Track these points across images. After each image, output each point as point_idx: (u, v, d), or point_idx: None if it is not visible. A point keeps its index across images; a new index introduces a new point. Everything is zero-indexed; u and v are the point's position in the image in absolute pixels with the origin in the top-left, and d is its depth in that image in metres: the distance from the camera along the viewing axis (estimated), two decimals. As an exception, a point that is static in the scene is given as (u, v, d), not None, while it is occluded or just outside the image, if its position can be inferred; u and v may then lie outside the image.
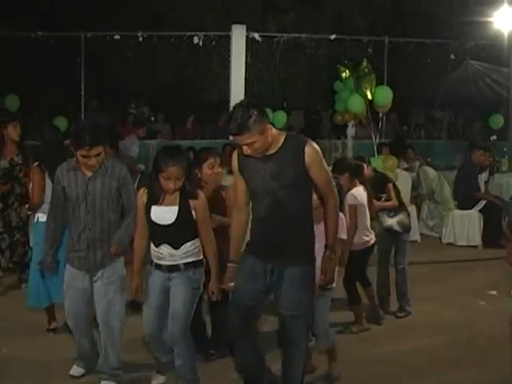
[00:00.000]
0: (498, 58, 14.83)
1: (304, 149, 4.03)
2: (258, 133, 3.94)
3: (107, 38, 12.58)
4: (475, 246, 10.21)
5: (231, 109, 4.04)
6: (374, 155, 10.01)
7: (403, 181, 10.34)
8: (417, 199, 11.30)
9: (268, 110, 12.27)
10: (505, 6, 13.46)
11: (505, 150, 12.57)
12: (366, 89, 10.05)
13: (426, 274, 8.62)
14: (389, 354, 5.77)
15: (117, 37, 12.57)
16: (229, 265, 4.43)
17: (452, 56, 14.87)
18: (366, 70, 10.27)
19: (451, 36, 14.40)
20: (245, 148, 3.98)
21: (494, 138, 12.91)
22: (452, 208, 10.47)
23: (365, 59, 10.52)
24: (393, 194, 6.96)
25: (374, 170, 7.38)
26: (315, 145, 4.10)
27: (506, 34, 13.65)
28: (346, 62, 11.79)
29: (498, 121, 13.03)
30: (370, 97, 10.00)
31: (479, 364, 5.57)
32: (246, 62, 12.45)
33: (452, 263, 9.27)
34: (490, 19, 13.62)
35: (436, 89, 16.05)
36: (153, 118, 15.41)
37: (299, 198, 4.15)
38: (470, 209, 10.30)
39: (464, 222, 10.30)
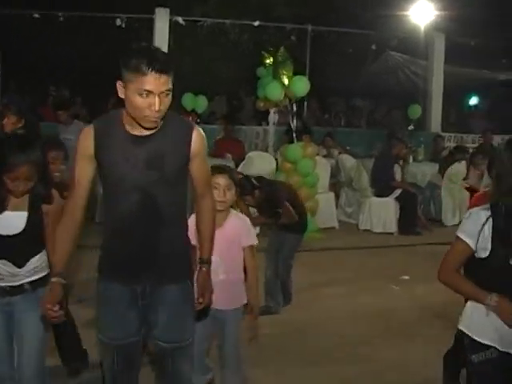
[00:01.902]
0: (416, 50, 15.24)
1: (192, 134, 3.10)
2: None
3: (27, 17, 12.28)
4: (391, 233, 10.50)
5: (140, 46, 3.08)
6: (293, 142, 10.10)
7: (322, 168, 10.54)
8: (335, 186, 11.52)
9: (190, 95, 12.26)
10: (420, 1, 13.88)
11: (421, 139, 12.93)
12: (283, 76, 10.13)
13: (343, 259, 8.84)
14: (305, 337, 5.90)
15: (36, 15, 12.28)
16: (54, 280, 3.11)
17: (373, 47, 15.17)
18: (283, 58, 10.35)
19: (372, 27, 14.66)
20: (157, 103, 2.85)
21: (411, 127, 13.24)
22: (369, 195, 10.73)
23: (282, 47, 10.58)
24: (292, 213, 6.36)
25: (269, 183, 6.60)
26: (202, 131, 3.19)
27: (422, 27, 14.06)
28: (270, 48, 11.83)
29: (416, 111, 13.37)
30: (286, 84, 10.08)
31: (392, 346, 5.74)
32: (169, 46, 12.37)
33: (368, 249, 9.50)
34: (407, 13, 14.01)
35: (357, 78, 16.37)
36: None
37: (178, 195, 3.17)
38: (387, 196, 10.58)
39: (380, 209, 10.56)
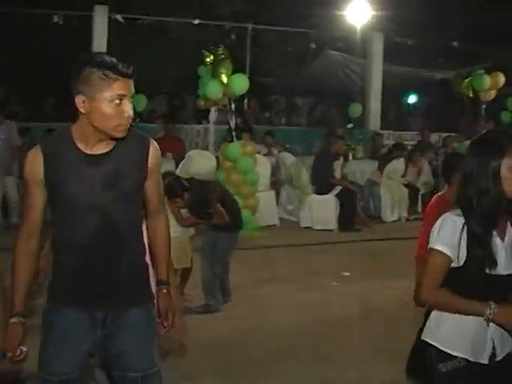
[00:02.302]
0: (355, 49, 15.40)
1: (148, 148, 2.93)
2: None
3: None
4: (331, 230, 10.56)
5: (93, 54, 2.92)
6: (233, 140, 10.10)
7: (262, 166, 10.56)
8: (276, 184, 11.54)
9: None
10: (357, 0, 14.04)
11: (360, 137, 13.08)
12: (222, 74, 10.12)
13: (284, 256, 8.86)
14: (246, 335, 5.88)
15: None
16: (13, 320, 2.89)
17: (312, 45, 15.28)
18: (223, 56, 10.34)
19: (311, 26, 14.75)
20: (127, 107, 2.73)
21: (350, 125, 13.39)
22: (309, 193, 10.80)
23: (221, 45, 10.57)
24: (223, 214, 6.30)
25: (199, 184, 6.50)
26: (156, 144, 3.01)
27: (359, 27, 14.23)
28: (210, 47, 11.79)
29: (356, 110, 13.51)
30: (225, 83, 10.07)
31: (331, 341, 5.76)
32: (108, 44, 12.21)
33: (309, 246, 9.53)
34: (345, 13, 14.16)
35: (297, 76, 16.47)
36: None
37: (136, 213, 3.01)
38: (327, 194, 10.65)
39: (321, 206, 10.63)
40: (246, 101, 13.92)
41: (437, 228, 2.83)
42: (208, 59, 11.12)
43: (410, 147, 13.34)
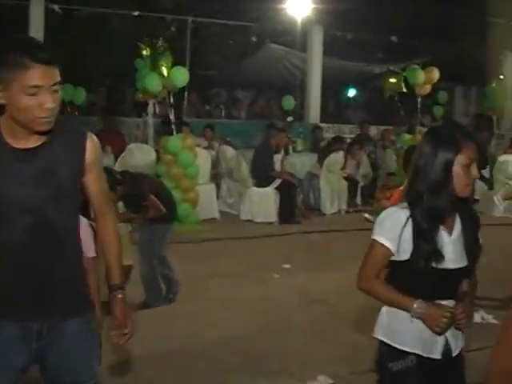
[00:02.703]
0: (295, 42, 15.47)
1: (85, 142, 2.68)
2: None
3: None
4: (272, 223, 10.58)
5: (14, 37, 2.59)
6: (172, 134, 10.04)
7: (203, 159, 10.52)
8: (216, 177, 11.51)
9: (69, 86, 11.91)
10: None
11: (300, 130, 13.15)
12: (162, 67, 10.04)
13: (225, 250, 8.83)
14: (188, 333, 5.85)
15: None
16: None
17: (253, 38, 15.28)
18: (162, 49, 10.26)
19: (252, 19, 14.76)
20: (49, 99, 2.44)
21: (290, 118, 13.44)
22: (249, 186, 10.79)
23: (161, 38, 10.48)
24: (158, 206, 6.17)
25: (133, 178, 6.32)
26: (96, 138, 2.75)
27: (299, 20, 14.28)
28: (146, 39, 11.67)
29: (289, 102, 13.55)
30: (166, 75, 9.99)
31: (273, 334, 5.77)
32: (45, 35, 11.97)
33: (249, 239, 9.54)
34: (284, 6, 14.20)
35: (238, 70, 16.45)
36: None
37: (71, 216, 2.73)
38: (267, 186, 10.67)
39: (261, 199, 10.64)
40: (185, 94, 13.83)
41: (380, 220, 2.83)
42: (144, 52, 11.02)
43: (349, 140, 13.50)
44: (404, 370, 2.82)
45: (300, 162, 11.99)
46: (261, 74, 16.24)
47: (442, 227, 2.77)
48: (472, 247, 2.85)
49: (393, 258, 2.81)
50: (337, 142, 12.03)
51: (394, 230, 2.75)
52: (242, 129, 13.91)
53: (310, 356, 5.26)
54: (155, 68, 10.20)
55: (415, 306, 2.72)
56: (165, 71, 10.02)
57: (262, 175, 10.69)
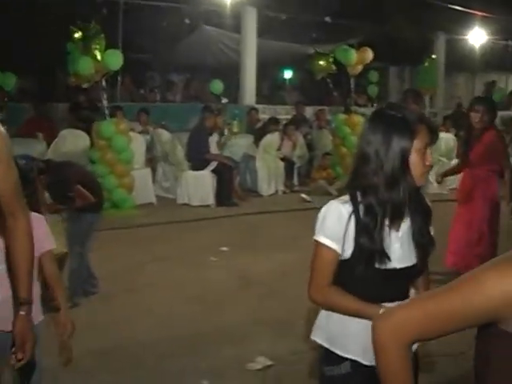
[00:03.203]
0: (229, 24, 15.37)
1: None
2: None
3: None
4: (208, 206, 10.51)
5: None
6: (105, 118, 9.86)
7: (137, 143, 10.38)
8: (152, 161, 11.37)
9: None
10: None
11: (236, 112, 13.08)
12: (95, 51, 9.83)
13: (162, 234, 8.75)
14: (123, 317, 5.77)
15: None
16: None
17: (186, 20, 15.11)
18: (95, 31, 10.04)
19: (185, 1, 14.57)
20: None
21: (225, 100, 13.35)
22: (185, 169, 10.69)
23: (93, 20, 10.25)
24: (85, 195, 5.92)
25: (56, 166, 5.98)
26: (2, 128, 2.42)
27: (230, 2, 14.15)
28: (78, 22, 11.41)
29: (217, 86, 13.44)
30: (99, 59, 9.78)
31: (211, 317, 5.73)
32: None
33: (187, 223, 9.46)
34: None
35: (172, 52, 16.27)
36: None
37: None
38: (203, 169, 10.59)
39: (197, 182, 10.56)
40: (119, 78, 13.60)
41: (321, 218, 2.48)
42: (77, 35, 10.77)
43: (284, 121, 13.51)
44: (338, 377, 2.59)
45: (236, 144, 11.92)
46: (195, 56, 16.13)
47: (387, 223, 2.47)
48: (423, 243, 2.56)
49: None
50: (272, 123, 12.02)
51: (337, 228, 2.43)
52: (177, 112, 13.75)
53: (249, 338, 5.25)
54: (88, 51, 9.97)
55: (381, 311, 2.34)
56: (98, 54, 9.81)
57: (198, 158, 10.60)
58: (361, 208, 2.44)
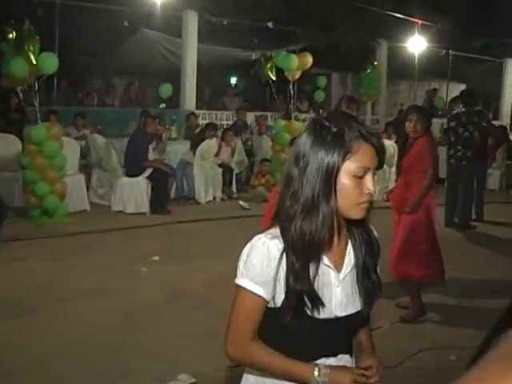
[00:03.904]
0: (170, 28, 15.16)
1: None
2: None
3: None
4: (143, 213, 10.25)
5: None
6: (37, 122, 9.54)
7: (71, 149, 10.10)
8: (86, 167, 11.08)
9: None
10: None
11: (174, 117, 12.84)
12: (29, 52, 9.52)
13: (94, 243, 8.48)
14: (48, 328, 5.52)
15: None
16: None
17: (125, 23, 14.83)
18: (29, 33, 9.73)
19: (124, 3, 14.29)
20: None
21: (163, 105, 13.10)
22: (120, 175, 10.41)
23: (27, 21, 9.94)
24: None
25: None
26: None
27: (172, 5, 13.93)
28: (12, 22, 11.07)
29: (166, 90, 13.24)
30: (33, 61, 9.48)
31: (137, 331, 5.52)
32: None
33: (121, 231, 9.19)
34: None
35: (111, 56, 15.97)
36: None
37: None
38: (138, 176, 10.32)
39: (132, 189, 10.28)
40: (55, 80, 13.25)
41: (244, 256, 2.03)
42: (10, 35, 10.46)
43: (226, 126, 13.37)
44: None
45: (173, 150, 11.69)
46: (135, 60, 15.86)
47: (326, 261, 2.04)
48: (369, 285, 2.12)
49: None
50: (210, 129, 11.83)
51: (265, 269, 1.98)
52: (115, 117, 13.46)
53: (173, 353, 5.07)
54: (21, 52, 9.67)
55: (316, 373, 1.98)
56: (32, 57, 9.49)
57: (135, 164, 10.30)
58: (290, 243, 1.99)
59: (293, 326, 2.01)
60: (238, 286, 2.04)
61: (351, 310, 2.08)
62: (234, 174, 12.26)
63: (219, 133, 12.27)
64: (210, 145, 11.46)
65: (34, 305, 6.05)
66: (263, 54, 14.05)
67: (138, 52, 15.70)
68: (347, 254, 2.10)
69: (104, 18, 15.05)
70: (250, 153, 13.13)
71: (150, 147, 10.64)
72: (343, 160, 1.92)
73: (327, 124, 1.97)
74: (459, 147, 9.78)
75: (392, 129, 14.41)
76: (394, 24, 16.69)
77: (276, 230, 2.02)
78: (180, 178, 11.33)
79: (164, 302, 6.30)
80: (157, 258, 7.79)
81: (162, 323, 5.73)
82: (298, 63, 12.58)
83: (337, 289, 2.05)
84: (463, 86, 21.58)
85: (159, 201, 10.31)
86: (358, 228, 2.11)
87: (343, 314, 2.06)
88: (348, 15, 16.50)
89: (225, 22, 15.54)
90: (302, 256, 1.97)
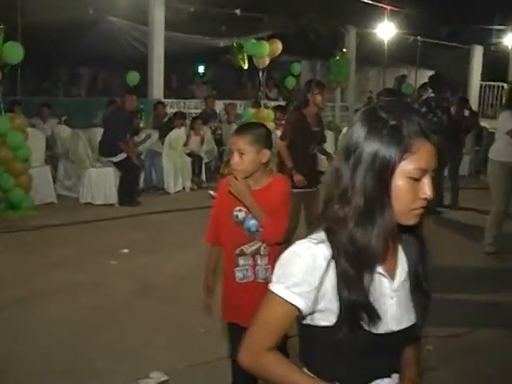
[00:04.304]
0: (136, 16, 14.93)
1: None
2: None
3: None
4: (112, 204, 10.07)
5: None
6: (1, 113, 9.31)
7: (36, 140, 9.90)
8: (52, 159, 10.86)
9: None
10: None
11: (142, 106, 12.64)
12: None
13: (64, 236, 8.31)
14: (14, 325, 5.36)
15: None
16: None
17: (90, 11, 14.58)
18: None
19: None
20: None
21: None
22: (88, 166, 10.20)
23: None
24: None
25: None
26: None
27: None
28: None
29: (134, 78, 13.04)
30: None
31: (107, 326, 5.39)
32: None
33: (89, 223, 9.01)
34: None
35: (77, 44, 15.70)
36: None
37: None
38: (113, 156, 10.10)
39: (100, 180, 10.09)
40: (19, 70, 12.97)
41: (284, 262, 1.78)
42: (-26, 25, 10.19)
43: (194, 115, 13.22)
44: None
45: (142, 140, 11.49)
46: (101, 49, 15.58)
47: (380, 270, 1.79)
48: (422, 296, 1.88)
49: (303, 322, 1.83)
50: (178, 118, 11.67)
51: (307, 279, 1.72)
52: (82, 106, 13.25)
53: (145, 349, 4.94)
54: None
55: None
56: (-4, 47, 9.25)
57: (111, 143, 10.00)
58: (340, 249, 1.73)
59: (347, 343, 1.74)
60: (272, 292, 1.78)
61: (406, 324, 1.85)
62: (204, 163, 12.12)
63: (188, 122, 12.10)
64: (178, 134, 11.30)
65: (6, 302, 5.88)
66: (237, 43, 13.88)
67: (104, 41, 15.41)
68: (399, 261, 1.86)
69: (69, 6, 14.77)
70: (219, 141, 13.00)
71: (129, 131, 10.36)
72: (400, 159, 1.68)
73: (384, 115, 1.72)
74: (429, 133, 9.74)
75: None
76: (362, 10, 16.61)
77: (321, 234, 1.76)
78: (148, 168, 11.17)
79: (133, 297, 6.16)
80: (126, 250, 7.64)
81: (132, 318, 5.60)
82: (267, 50, 12.46)
83: (391, 300, 1.82)
84: (431, 73, 21.75)
85: (128, 192, 10.13)
86: (409, 233, 1.86)
87: (398, 327, 1.82)
88: (316, 1, 16.41)
89: (192, 10, 15.35)
90: (355, 264, 1.72)
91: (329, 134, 13.23)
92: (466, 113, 11.81)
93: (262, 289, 3.29)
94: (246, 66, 13.57)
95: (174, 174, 11.20)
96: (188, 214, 9.66)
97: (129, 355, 4.84)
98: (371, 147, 1.69)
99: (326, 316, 1.75)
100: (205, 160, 12.19)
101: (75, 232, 8.59)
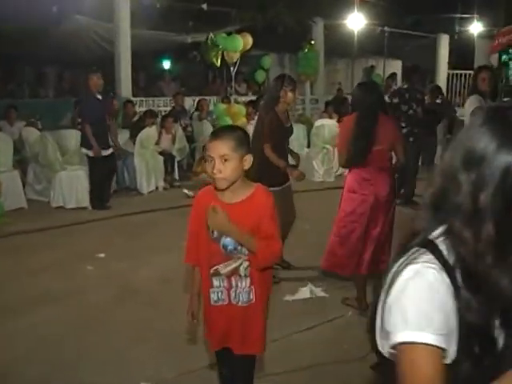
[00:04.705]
0: (101, 13, 14.67)
1: None
2: None
3: None
4: (85, 208, 9.85)
5: None
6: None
7: (3, 143, 9.63)
8: (21, 163, 10.57)
9: None
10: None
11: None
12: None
13: (36, 242, 8.06)
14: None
15: None
16: None
17: (54, 9, 14.29)
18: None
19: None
20: None
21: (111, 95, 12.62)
22: (58, 169, 9.94)
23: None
24: None
25: None
26: None
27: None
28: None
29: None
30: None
31: (87, 335, 5.21)
32: None
33: (62, 228, 8.76)
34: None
35: (42, 44, 15.37)
36: None
37: None
38: (105, 149, 9.75)
39: (71, 183, 9.85)
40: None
41: (410, 300, 1.44)
42: None
43: (164, 113, 13.02)
44: None
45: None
46: (67, 48, 15.26)
47: None
48: None
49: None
50: (148, 117, 11.46)
51: (450, 313, 1.43)
52: (49, 108, 12.94)
53: (129, 359, 4.78)
54: None
55: None
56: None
57: (101, 132, 9.59)
58: (457, 272, 1.45)
59: (469, 379, 1.46)
60: (414, 344, 1.42)
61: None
62: (176, 161, 11.93)
63: (158, 120, 11.89)
64: (149, 133, 11.09)
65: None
66: (211, 38, 13.66)
67: (70, 39, 15.11)
68: None
69: (31, 5, 14.45)
70: (190, 139, 12.81)
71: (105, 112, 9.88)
72: None
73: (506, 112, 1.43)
74: (403, 124, 9.66)
75: (332, 108, 14.32)
76: (330, 2, 16.53)
77: (429, 257, 1.46)
78: (120, 168, 10.93)
79: (114, 303, 5.98)
80: (102, 255, 7.44)
81: (114, 326, 5.42)
82: (236, 45, 12.30)
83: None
84: (399, 63, 21.77)
85: (100, 194, 9.87)
86: None
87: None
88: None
89: (158, 6, 15.13)
90: (473, 284, 1.42)
91: (300, 127, 13.13)
92: (439, 100, 11.79)
93: (239, 313, 3.17)
94: (218, 63, 13.38)
95: (147, 173, 10.99)
96: (163, 215, 9.48)
97: (113, 365, 4.67)
98: (503, 161, 1.39)
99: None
100: (177, 158, 12.00)
101: (48, 237, 8.34)
